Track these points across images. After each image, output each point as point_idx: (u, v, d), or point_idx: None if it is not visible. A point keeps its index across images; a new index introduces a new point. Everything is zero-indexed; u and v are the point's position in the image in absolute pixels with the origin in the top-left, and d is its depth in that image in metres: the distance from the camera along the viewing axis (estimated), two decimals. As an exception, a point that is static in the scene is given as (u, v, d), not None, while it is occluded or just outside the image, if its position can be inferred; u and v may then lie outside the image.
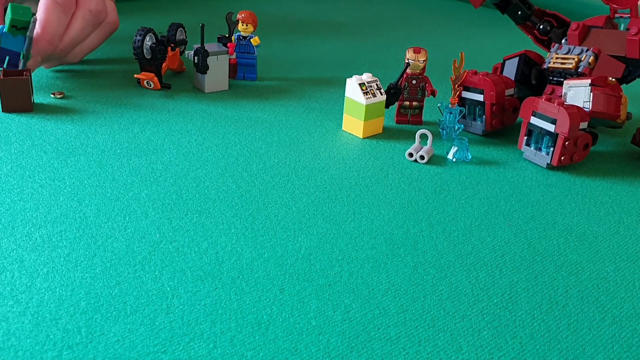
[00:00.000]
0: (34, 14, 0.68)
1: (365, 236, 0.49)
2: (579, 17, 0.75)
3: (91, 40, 0.79)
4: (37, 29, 0.70)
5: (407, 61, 0.69)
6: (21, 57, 0.69)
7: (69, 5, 0.72)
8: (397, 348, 0.38)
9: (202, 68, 0.75)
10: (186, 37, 0.81)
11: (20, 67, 0.69)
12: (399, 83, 0.70)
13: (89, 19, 0.75)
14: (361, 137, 0.68)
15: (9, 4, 0.68)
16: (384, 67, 0.95)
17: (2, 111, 0.66)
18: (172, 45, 0.78)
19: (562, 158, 0.61)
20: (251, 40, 0.79)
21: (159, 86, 0.76)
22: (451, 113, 0.67)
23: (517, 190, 0.59)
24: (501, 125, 0.70)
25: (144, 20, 1.08)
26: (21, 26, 0.67)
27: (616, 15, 0.69)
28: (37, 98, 0.70)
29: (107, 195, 0.52)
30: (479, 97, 0.68)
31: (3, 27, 0.68)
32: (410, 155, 0.63)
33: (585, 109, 0.62)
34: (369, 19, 1.30)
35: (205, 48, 0.74)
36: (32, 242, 0.45)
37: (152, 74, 0.75)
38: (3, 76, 0.66)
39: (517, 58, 0.73)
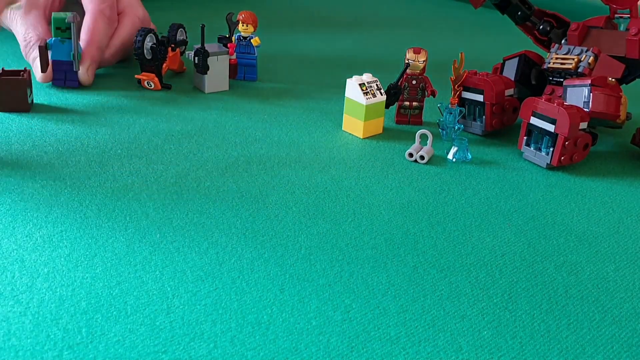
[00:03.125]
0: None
1: (365, 236, 0.49)
2: (579, 17, 0.75)
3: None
4: (85, 36, 0.74)
5: (407, 61, 0.69)
6: (71, 57, 0.71)
7: (114, 18, 0.77)
8: (397, 348, 0.38)
9: (203, 68, 0.75)
10: (186, 37, 0.81)
11: (75, 69, 0.72)
12: (399, 83, 0.70)
13: (138, 26, 0.80)
14: (361, 137, 0.68)
15: (52, 13, 0.72)
16: (384, 67, 0.95)
17: None
18: (173, 45, 0.78)
19: (562, 158, 0.61)
20: (251, 40, 0.79)
21: (159, 86, 0.76)
22: (451, 113, 0.67)
23: (517, 190, 0.59)
24: (501, 126, 0.70)
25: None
26: (65, 27, 0.70)
27: (616, 15, 0.69)
28: (37, 98, 0.70)
29: (108, 195, 0.52)
30: (479, 98, 0.68)
31: (52, 39, 0.71)
32: (410, 155, 0.63)
33: (585, 109, 0.62)
34: (369, 19, 1.30)
35: (206, 48, 0.74)
36: (33, 242, 0.45)
37: (153, 74, 0.75)
38: (0, 75, 0.66)
39: (517, 58, 0.73)
